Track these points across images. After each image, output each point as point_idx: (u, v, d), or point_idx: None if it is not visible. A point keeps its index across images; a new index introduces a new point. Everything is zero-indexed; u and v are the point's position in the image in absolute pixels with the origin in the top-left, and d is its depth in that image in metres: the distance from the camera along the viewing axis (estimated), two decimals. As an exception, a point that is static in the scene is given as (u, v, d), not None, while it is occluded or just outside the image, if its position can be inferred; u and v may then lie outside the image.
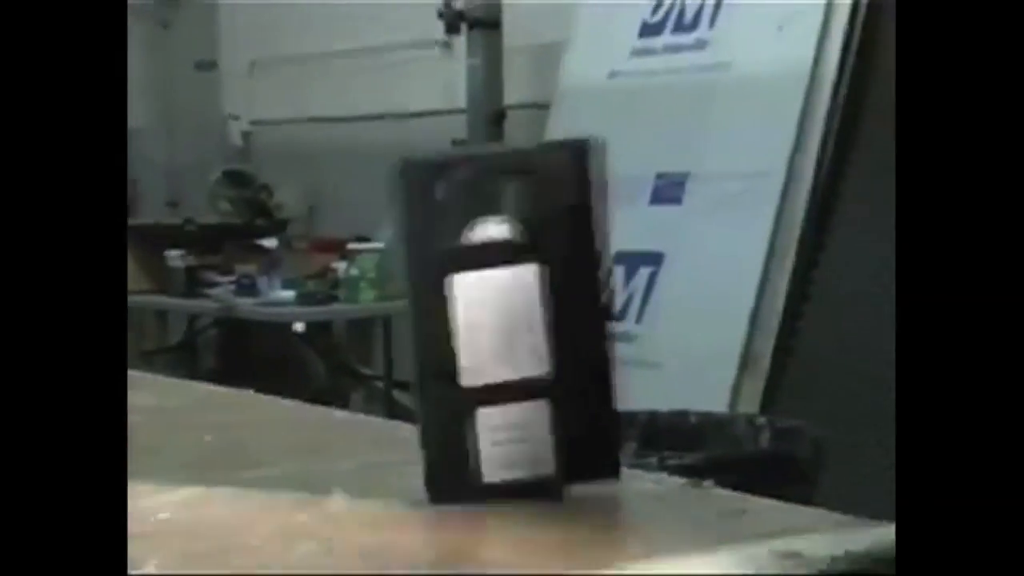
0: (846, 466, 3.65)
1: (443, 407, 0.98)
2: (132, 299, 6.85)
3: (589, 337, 0.98)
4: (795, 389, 4.43)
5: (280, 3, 7.68)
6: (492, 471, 0.96)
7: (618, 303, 4.72)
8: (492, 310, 0.96)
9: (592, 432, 0.99)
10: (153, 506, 1.05)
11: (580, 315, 0.97)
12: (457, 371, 0.96)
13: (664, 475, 1.09)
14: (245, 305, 6.31)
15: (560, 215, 0.96)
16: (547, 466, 0.96)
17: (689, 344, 4.59)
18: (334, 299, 6.09)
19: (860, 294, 4.36)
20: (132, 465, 1.10)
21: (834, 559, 0.84)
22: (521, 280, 0.95)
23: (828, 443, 3.71)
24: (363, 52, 6.90)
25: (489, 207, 0.96)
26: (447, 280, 0.95)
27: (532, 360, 0.96)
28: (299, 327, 5.97)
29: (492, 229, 0.96)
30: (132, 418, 1.44)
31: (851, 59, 4.55)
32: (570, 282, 0.96)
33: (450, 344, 0.96)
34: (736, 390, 4.47)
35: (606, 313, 0.99)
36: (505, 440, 0.97)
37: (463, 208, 0.96)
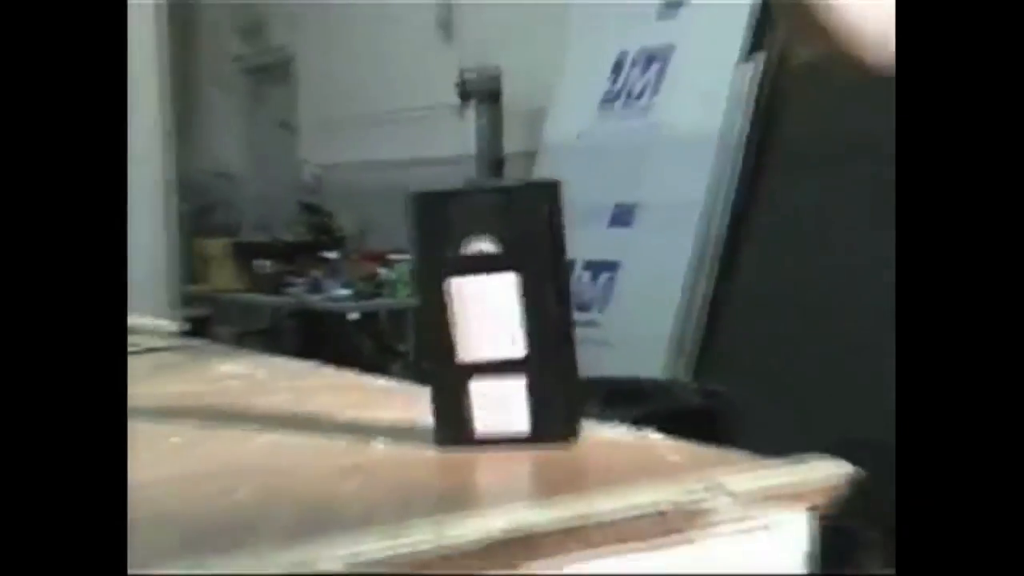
0: (756, 420, 3.60)
1: (444, 378, 0.98)
2: (231, 296, 6.87)
3: (555, 326, 0.97)
4: (715, 362, 4.43)
5: (342, 79, 7.68)
6: (482, 426, 0.97)
7: (586, 298, 4.75)
8: (480, 306, 0.97)
9: (557, 398, 0.98)
10: (241, 451, 1.06)
11: (548, 309, 0.97)
12: (454, 350, 0.97)
13: (620, 426, 1.04)
14: (314, 300, 6.37)
15: (534, 235, 0.97)
16: (524, 424, 0.97)
17: (637, 329, 4.57)
18: (378, 295, 6.12)
19: (764, 292, 4.34)
20: (225, 420, 1.17)
21: (750, 489, 0.83)
22: (503, 284, 0.96)
23: (742, 402, 3.67)
24: (401, 112, 6.89)
25: (479, 228, 0.96)
26: (447, 282, 0.96)
27: (510, 344, 0.96)
28: (353, 316, 5.98)
29: (482, 244, 0.96)
30: (229, 383, 1.42)
31: (756, 118, 4.55)
32: (541, 285, 0.97)
33: (449, 330, 0.96)
34: (672, 363, 4.47)
35: (568, 307, 0.99)
36: (491, 403, 0.97)
37: (460, 228, 0.97)
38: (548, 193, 0.97)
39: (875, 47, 1.16)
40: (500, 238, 0.96)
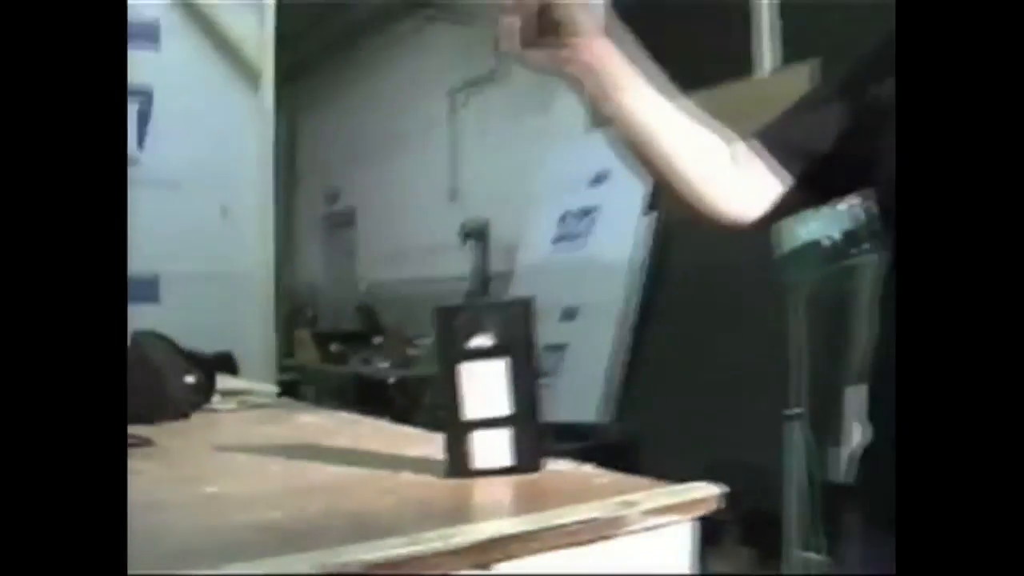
0: (660, 449, 3.57)
1: (454, 429, 0.97)
2: (313, 367, 6.84)
3: (529, 394, 0.97)
4: (631, 410, 4.40)
5: (384, 226, 7.74)
6: (479, 462, 0.96)
7: (544, 368, 4.75)
8: (480, 381, 0.96)
9: (530, 442, 0.97)
10: (314, 477, 1.02)
11: (525, 383, 0.96)
12: (462, 410, 0.96)
13: (565, 460, 1.02)
14: (365, 370, 6.27)
15: (516, 334, 0.96)
16: (508, 460, 0.96)
17: (577, 388, 4.54)
18: (408, 366, 5.99)
19: (663, 362, 4.33)
20: (305, 455, 1.12)
21: (653, 506, 0.82)
22: (495, 367, 0.95)
23: (649, 437, 3.66)
24: (423, 247, 6.94)
25: (481, 329, 0.96)
26: (458, 366, 0.96)
27: (501, 405, 0.95)
28: (391, 380, 5.87)
29: (482, 340, 0.96)
30: (308, 429, 1.39)
31: (653, 249, 4.56)
32: (520, 367, 0.96)
33: (458, 397, 0.96)
34: (601, 411, 4.46)
35: (537, 381, 0.97)
36: (486, 446, 0.96)
37: (468, 329, 0.96)
38: (526, 306, 0.98)
39: (714, 212, 1.14)
40: (494, 335, 0.96)
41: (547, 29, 1.01)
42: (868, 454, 1.13)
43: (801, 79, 3.78)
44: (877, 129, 1.07)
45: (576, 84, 1.06)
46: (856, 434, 3.25)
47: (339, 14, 7.85)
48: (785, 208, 1.18)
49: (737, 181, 1.14)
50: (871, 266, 2.99)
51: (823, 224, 2.91)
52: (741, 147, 1.16)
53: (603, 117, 1.10)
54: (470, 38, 6.35)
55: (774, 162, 1.14)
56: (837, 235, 2.93)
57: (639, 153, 1.11)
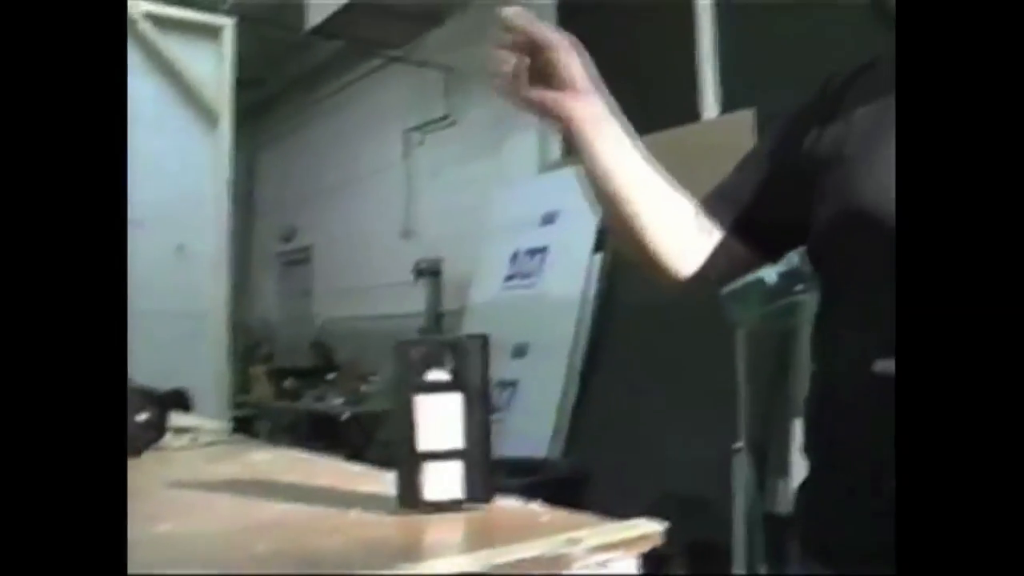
0: (615, 483, 3.57)
1: (407, 461, 0.95)
2: (267, 403, 6.77)
3: (481, 428, 0.96)
4: (579, 445, 4.39)
5: (340, 265, 7.70)
6: (430, 495, 0.95)
7: (496, 404, 4.74)
8: (435, 414, 0.95)
9: (481, 476, 0.96)
10: (262, 514, 0.98)
11: (477, 418, 0.96)
12: (416, 443, 0.95)
13: (513, 497, 1.01)
14: (319, 406, 6.20)
15: (471, 369, 0.96)
16: (459, 493, 0.95)
17: (528, 423, 4.54)
18: (362, 403, 5.92)
19: (611, 396, 4.33)
20: (254, 493, 1.10)
21: (596, 543, 0.82)
22: (450, 400, 0.95)
23: (595, 471, 3.65)
24: (378, 285, 6.91)
25: (438, 363, 0.96)
26: (414, 398, 0.95)
27: (454, 438, 0.95)
28: (345, 416, 5.80)
29: (438, 374, 0.95)
30: (259, 467, 1.37)
31: (600, 288, 4.57)
32: (474, 402, 0.96)
33: (413, 429, 0.95)
34: (550, 447, 4.44)
35: (489, 416, 0.97)
36: (438, 479, 0.95)
37: (425, 363, 0.96)
38: (481, 342, 0.97)
39: (671, 270, 1.15)
40: (451, 370, 0.95)
41: (539, 76, 1.03)
42: (804, 486, 1.13)
43: (745, 125, 3.84)
44: (811, 180, 1.09)
45: (561, 129, 1.07)
46: (802, 466, 3.27)
47: (297, 56, 7.87)
48: (740, 266, 1.19)
49: (700, 242, 1.15)
50: (812, 303, 3.03)
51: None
52: (700, 208, 1.17)
53: (578, 163, 1.11)
54: (425, 81, 6.38)
55: (719, 224, 1.16)
56: (779, 274, 2.97)
57: (609, 206, 1.12)
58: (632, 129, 1.11)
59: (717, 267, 1.16)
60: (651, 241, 1.12)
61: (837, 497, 1.04)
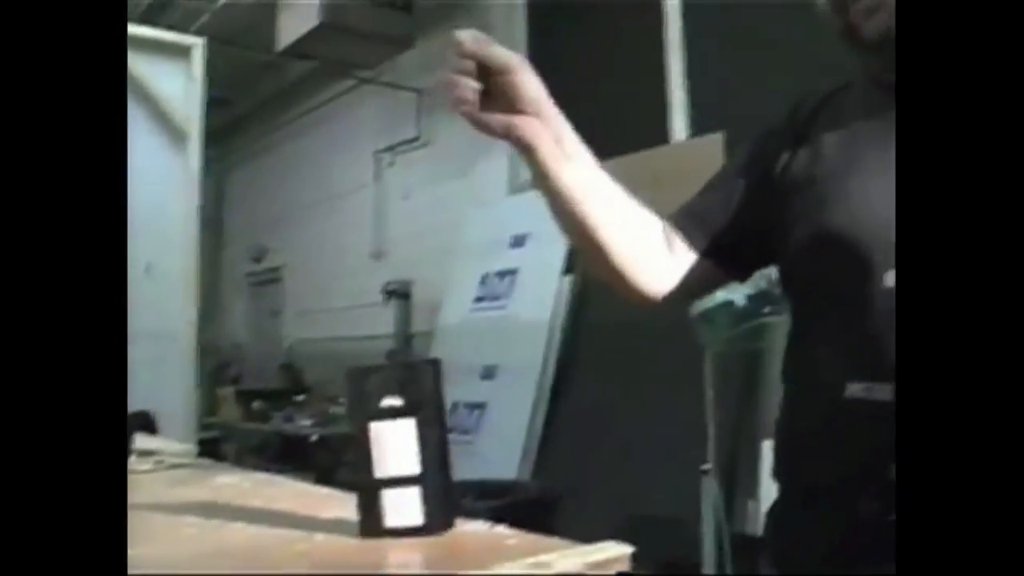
0: (585, 504, 3.55)
1: (366, 488, 0.94)
2: (235, 424, 6.70)
3: (439, 452, 0.94)
4: (548, 467, 4.37)
5: (311, 285, 7.66)
6: (391, 521, 0.93)
7: (466, 426, 4.73)
8: (390, 439, 0.93)
9: (440, 501, 0.94)
10: (227, 540, 0.97)
11: (434, 442, 0.94)
12: (373, 468, 0.93)
13: (479, 521, 1.00)
14: (288, 427, 6.12)
15: (424, 394, 0.94)
16: (419, 519, 0.93)
17: (497, 445, 4.54)
18: (330, 424, 5.83)
19: (579, 419, 4.33)
20: (219, 517, 1.09)
21: (564, 567, 0.80)
22: (405, 426, 0.93)
23: (565, 493, 3.64)
24: (349, 307, 6.88)
25: (392, 389, 0.94)
26: (369, 426, 0.93)
27: (410, 464, 0.93)
28: (314, 438, 5.73)
29: (391, 400, 0.93)
30: (224, 491, 1.35)
31: (571, 309, 4.57)
32: (429, 426, 0.93)
33: (370, 456, 0.93)
34: (520, 468, 4.42)
35: (446, 440, 0.95)
36: (397, 505, 0.93)
37: (378, 390, 0.94)
38: (434, 367, 0.96)
39: (639, 288, 1.15)
40: (403, 396, 0.93)
41: (490, 97, 1.02)
42: (775, 508, 1.13)
43: (714, 148, 3.87)
44: (782, 202, 1.09)
45: (519, 151, 1.07)
46: (773, 487, 3.27)
47: (268, 76, 7.85)
48: (708, 284, 1.19)
49: (667, 259, 1.15)
50: (780, 325, 3.04)
51: (734, 285, 2.95)
52: (668, 226, 1.17)
53: (538, 186, 1.10)
54: (396, 102, 6.38)
55: (686, 242, 1.16)
56: (748, 296, 2.98)
57: (571, 226, 1.11)
58: (589, 150, 1.10)
59: (686, 285, 1.16)
60: (617, 259, 1.12)
61: (807, 519, 1.03)
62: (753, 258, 1.19)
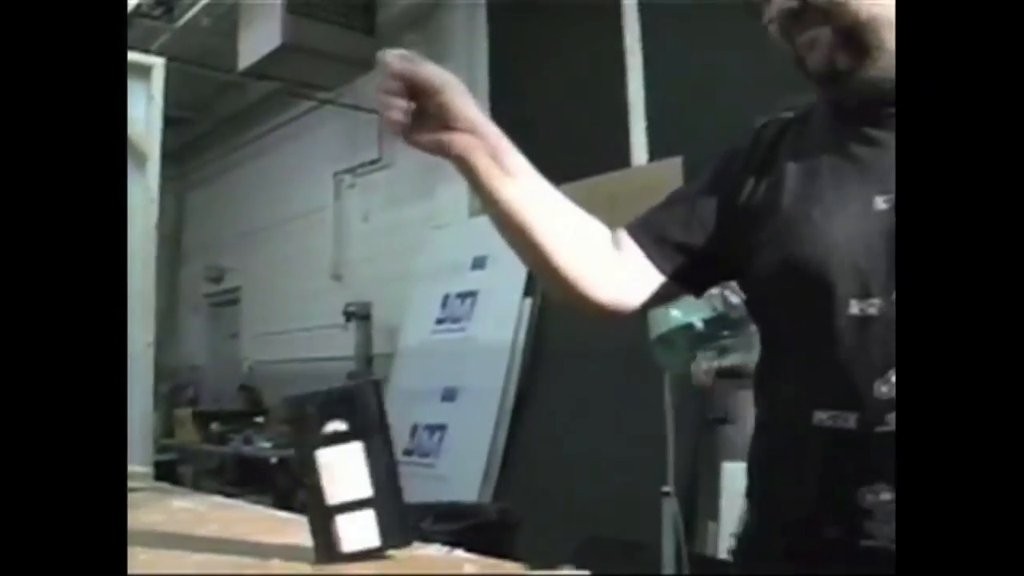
0: (545, 527, 3.54)
1: (319, 515, 0.93)
2: (193, 446, 6.61)
3: (388, 474, 0.94)
4: (509, 489, 4.36)
5: (270, 307, 7.60)
6: (346, 545, 0.93)
7: (426, 449, 4.71)
8: (338, 464, 0.93)
9: (394, 521, 0.94)
10: (181, 566, 0.96)
11: (382, 463, 0.94)
12: (324, 495, 0.93)
13: (436, 545, 1.00)
14: (247, 449, 6.05)
15: (368, 416, 0.94)
16: (375, 541, 0.93)
17: (458, 468, 4.52)
18: (289, 447, 5.74)
19: (539, 440, 4.32)
20: (173, 542, 1.07)
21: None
22: (352, 450, 0.93)
23: (525, 515, 3.63)
24: (308, 328, 6.82)
25: (334, 415, 0.94)
26: (315, 452, 0.93)
27: (360, 487, 0.93)
28: (273, 460, 5.64)
29: (336, 425, 0.93)
30: (179, 515, 1.32)
31: (529, 333, 4.57)
32: (376, 448, 0.93)
33: (320, 483, 0.93)
34: (481, 490, 4.41)
35: (393, 460, 0.94)
36: (351, 529, 0.93)
37: (321, 416, 0.94)
38: (375, 388, 0.95)
39: (590, 298, 1.15)
40: (347, 420, 0.93)
41: (422, 116, 1.01)
42: (745, 531, 1.13)
43: (673, 171, 3.90)
44: (744, 226, 1.10)
45: (457, 166, 1.06)
46: (734, 509, 3.28)
47: (229, 97, 7.81)
48: (657, 297, 1.19)
49: (616, 268, 1.15)
50: (738, 348, 3.06)
51: (692, 308, 2.97)
52: (621, 235, 1.17)
53: (480, 201, 1.10)
54: (356, 123, 6.36)
55: (641, 252, 1.16)
56: (705, 320, 2.99)
57: (516, 240, 1.11)
58: (529, 165, 1.10)
59: (639, 296, 1.16)
60: (565, 270, 1.11)
61: (776, 544, 1.03)
62: (709, 275, 1.20)
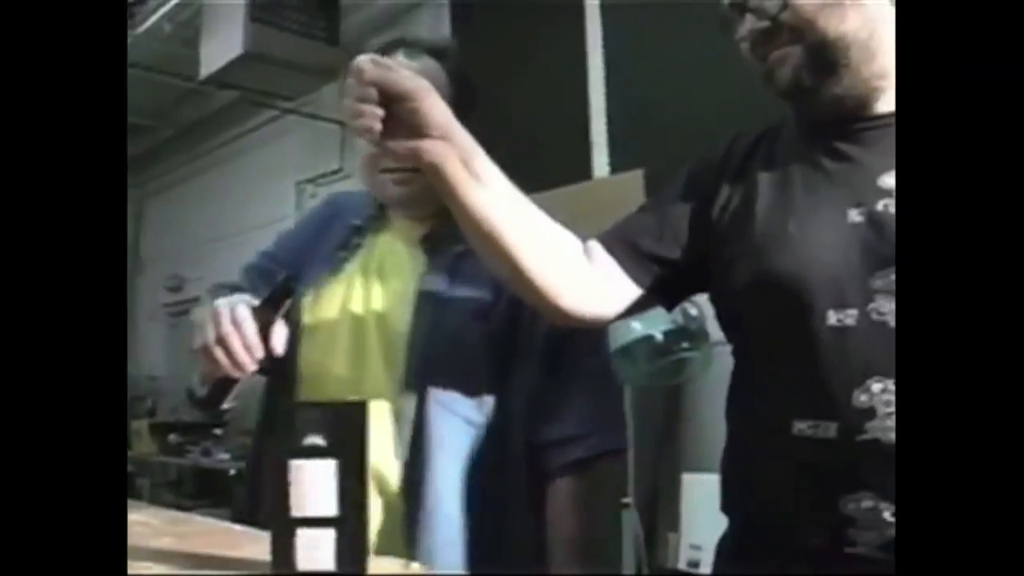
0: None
1: (281, 528, 0.92)
2: (151, 458, 6.54)
3: (357, 496, 0.92)
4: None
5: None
6: (304, 563, 0.91)
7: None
8: (310, 479, 0.92)
9: (355, 543, 0.92)
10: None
11: (352, 485, 0.92)
12: (290, 507, 0.91)
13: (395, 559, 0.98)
14: (205, 461, 5.98)
15: (347, 435, 0.93)
16: (330, 564, 0.92)
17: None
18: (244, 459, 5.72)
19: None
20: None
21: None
22: (325, 466, 0.91)
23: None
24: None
25: (315, 428, 0.92)
26: (289, 463, 0.92)
27: (328, 504, 0.91)
28: (232, 472, 5.57)
29: (314, 439, 0.91)
30: (134, 528, 1.30)
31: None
32: (349, 468, 0.92)
33: (287, 495, 0.91)
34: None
35: (366, 484, 0.92)
36: (312, 546, 0.91)
37: (301, 429, 0.92)
38: (361, 408, 0.94)
39: (561, 307, 1.14)
40: (327, 436, 0.92)
41: (398, 122, 1.01)
42: (724, 541, 1.13)
43: (635, 184, 3.91)
44: (717, 238, 1.10)
45: (428, 174, 1.06)
46: (694, 520, 3.29)
47: (190, 105, 7.74)
48: (630, 308, 1.19)
49: (588, 277, 1.15)
50: (698, 361, 3.07)
51: (652, 321, 2.98)
52: (594, 246, 1.17)
53: (452, 211, 1.10)
54: (319, 134, 6.33)
55: (616, 264, 1.16)
56: (664, 332, 3.00)
57: (487, 248, 1.10)
58: (501, 174, 1.10)
59: (611, 305, 1.16)
60: (536, 279, 1.11)
61: (757, 554, 1.04)
62: (684, 287, 1.20)
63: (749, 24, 1.03)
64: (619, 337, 3.05)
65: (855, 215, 0.97)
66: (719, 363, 3.16)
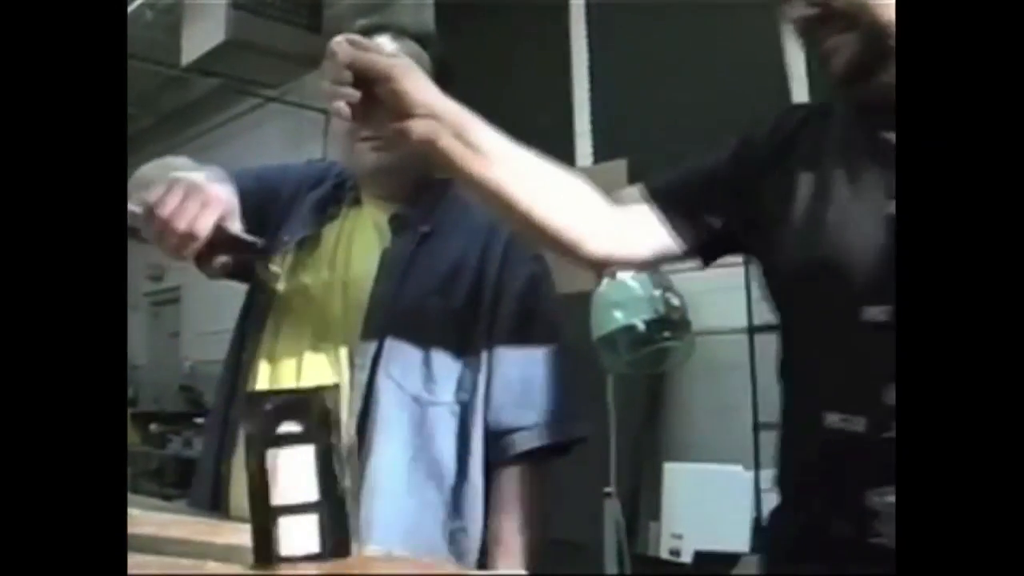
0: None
1: (262, 515, 0.91)
2: (132, 448, 6.51)
3: (335, 481, 0.92)
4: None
5: (210, 307, 7.51)
6: (286, 549, 0.91)
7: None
8: (289, 467, 0.91)
9: (337, 528, 0.92)
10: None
11: (331, 470, 0.92)
12: (271, 496, 0.90)
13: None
14: (187, 452, 5.97)
15: (320, 421, 0.92)
16: (315, 547, 0.91)
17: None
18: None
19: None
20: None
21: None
22: (302, 453, 0.91)
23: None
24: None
25: (290, 415, 0.92)
26: (267, 451, 0.91)
27: (308, 491, 0.91)
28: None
29: (290, 427, 0.91)
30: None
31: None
32: (326, 454, 0.92)
33: (267, 483, 0.91)
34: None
35: (343, 469, 0.92)
36: (293, 532, 0.91)
37: (276, 416, 0.92)
38: (334, 392, 0.93)
39: (586, 251, 1.14)
40: (301, 422, 0.91)
41: (375, 105, 1.00)
42: (775, 514, 1.14)
43: (618, 174, 3.91)
44: (760, 213, 1.09)
45: (423, 152, 1.04)
46: (675, 508, 3.30)
47: (172, 92, 7.70)
48: (663, 258, 1.18)
49: (611, 220, 1.14)
50: (680, 350, 3.08)
51: (634, 310, 2.98)
52: (635, 193, 1.17)
53: (458, 184, 1.09)
54: (302, 122, 6.31)
55: (663, 217, 1.15)
56: (647, 321, 3.01)
57: (504, 211, 1.10)
58: (497, 133, 1.09)
59: (642, 249, 1.16)
60: (554, 228, 1.10)
61: (797, 531, 1.05)
62: (720, 250, 1.19)
63: (799, 9, 1.02)
64: (601, 326, 3.06)
65: (893, 208, 0.95)
66: (700, 352, 3.17)
